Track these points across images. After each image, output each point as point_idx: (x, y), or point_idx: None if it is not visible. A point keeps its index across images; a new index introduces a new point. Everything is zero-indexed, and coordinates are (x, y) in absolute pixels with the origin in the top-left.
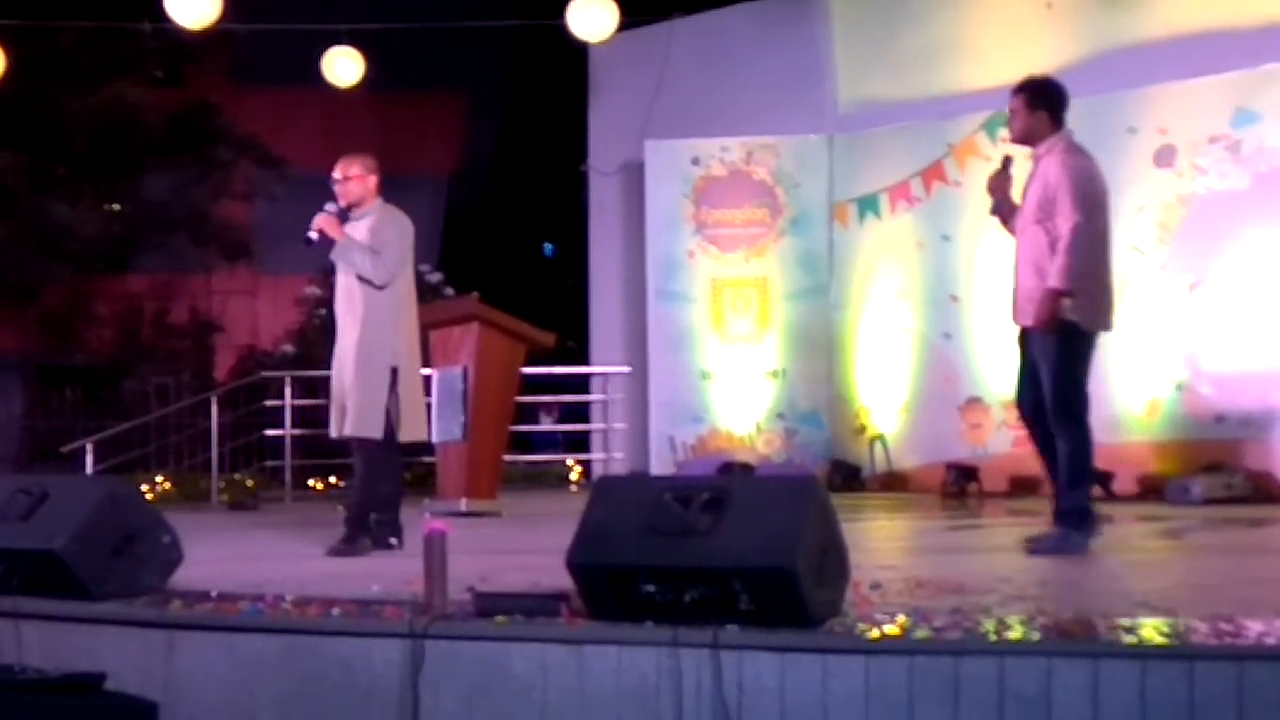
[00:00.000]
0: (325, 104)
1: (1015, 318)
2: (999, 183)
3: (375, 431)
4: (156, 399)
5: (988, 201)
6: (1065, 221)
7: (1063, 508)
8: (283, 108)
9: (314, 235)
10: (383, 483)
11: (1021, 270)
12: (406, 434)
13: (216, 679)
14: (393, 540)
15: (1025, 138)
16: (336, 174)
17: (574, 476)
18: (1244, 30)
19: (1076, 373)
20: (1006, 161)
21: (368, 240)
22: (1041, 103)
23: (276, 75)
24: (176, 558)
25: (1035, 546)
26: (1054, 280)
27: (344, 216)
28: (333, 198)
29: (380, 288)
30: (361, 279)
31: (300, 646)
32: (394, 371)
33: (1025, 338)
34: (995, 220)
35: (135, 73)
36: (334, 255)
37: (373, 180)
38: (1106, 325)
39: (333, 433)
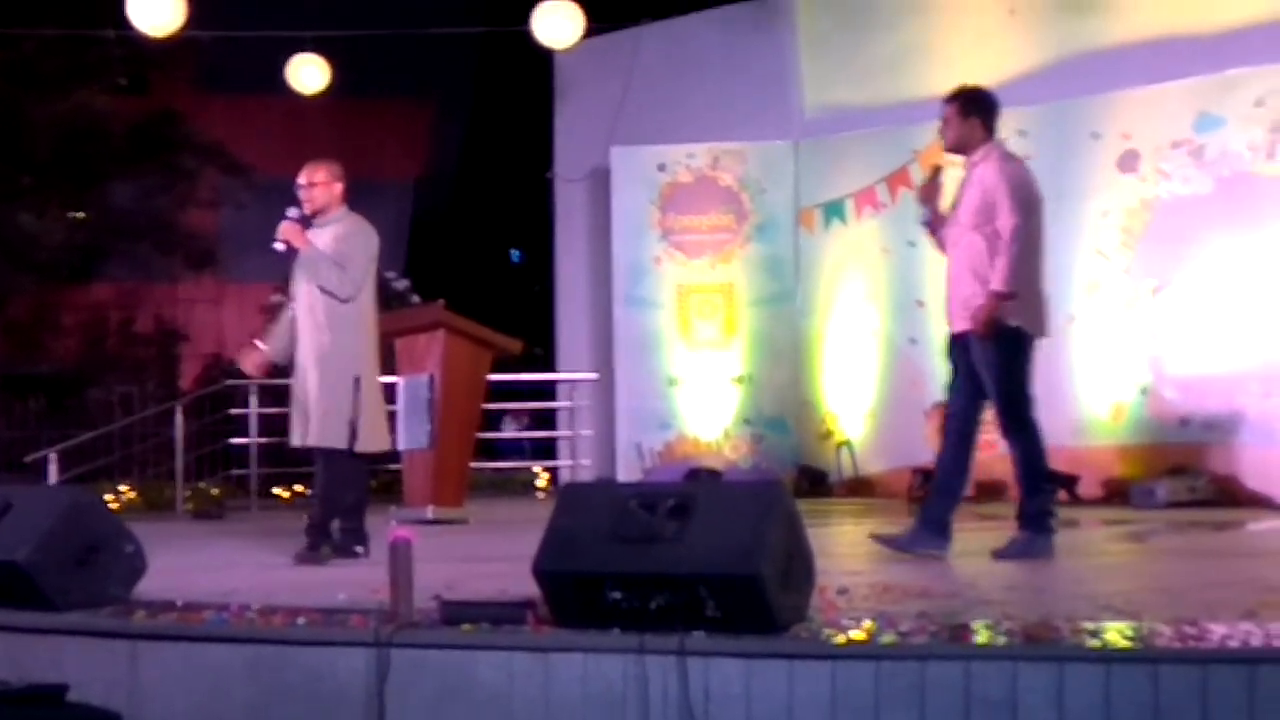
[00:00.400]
0: (291, 111)
1: (952, 325)
2: (929, 192)
3: (340, 441)
4: (121, 408)
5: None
6: (1006, 225)
7: (1027, 512)
8: (248, 115)
9: (280, 246)
10: (346, 491)
11: (958, 277)
12: (368, 444)
13: (181, 689)
14: (358, 548)
15: (959, 146)
16: (301, 180)
17: (541, 484)
18: (1207, 36)
19: (1021, 377)
20: (936, 171)
21: (332, 250)
22: (974, 111)
23: (242, 82)
24: (140, 567)
25: (1003, 553)
26: (996, 283)
27: (307, 223)
28: (297, 204)
29: (345, 301)
30: (325, 290)
31: (265, 656)
32: (357, 380)
33: (957, 346)
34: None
35: (100, 80)
36: (299, 266)
37: (338, 187)
38: (1044, 330)
39: (295, 441)
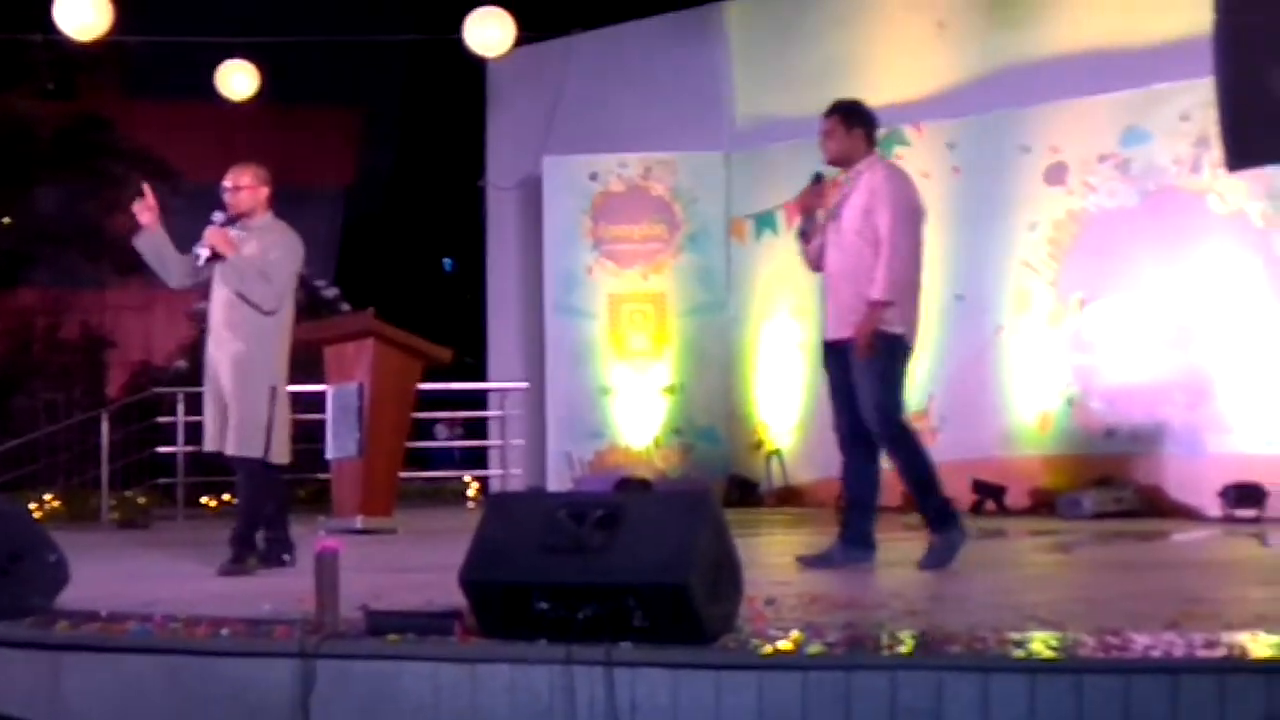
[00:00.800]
0: (220, 117)
1: (829, 332)
2: (812, 199)
3: (258, 451)
4: (46, 415)
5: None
6: (887, 235)
7: (929, 516)
8: (177, 121)
9: (205, 252)
10: (266, 501)
11: (838, 286)
12: (279, 455)
13: (103, 701)
14: (285, 557)
15: (841, 159)
16: (227, 183)
17: (471, 493)
18: (1134, 50)
19: (899, 385)
20: (818, 179)
21: (258, 260)
22: (857, 123)
23: (171, 88)
24: (63, 577)
25: (925, 562)
26: (876, 292)
27: (231, 225)
28: (223, 208)
29: (268, 314)
30: (247, 300)
31: (188, 667)
32: (273, 391)
33: (833, 354)
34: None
35: (26, 84)
36: (223, 274)
37: (264, 192)
38: (914, 342)
39: (209, 446)
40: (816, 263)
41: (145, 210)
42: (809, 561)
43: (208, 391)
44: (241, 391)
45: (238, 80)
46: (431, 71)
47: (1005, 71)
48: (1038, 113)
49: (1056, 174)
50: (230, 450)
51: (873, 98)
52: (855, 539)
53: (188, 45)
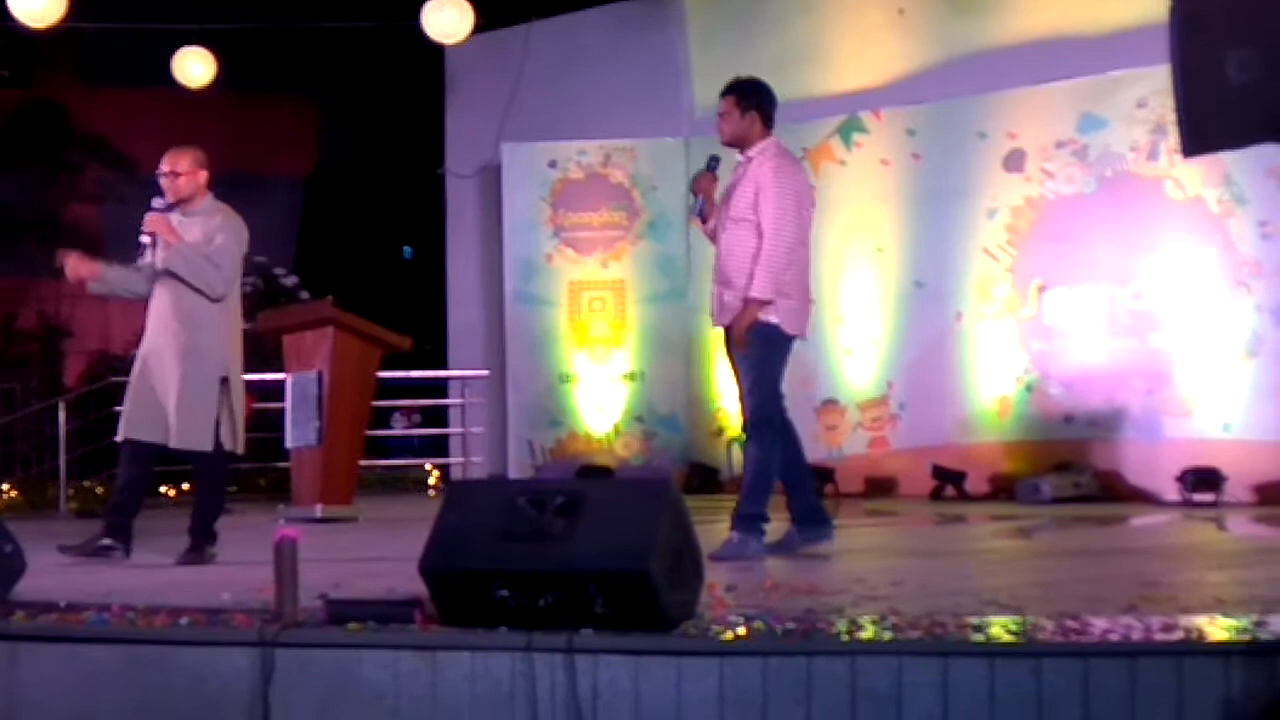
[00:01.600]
0: (177, 105)
1: (717, 318)
2: (705, 183)
3: (206, 444)
4: (3, 405)
5: (846, 201)
6: (772, 229)
7: (744, 512)
8: (133, 108)
9: (147, 240)
10: (223, 489)
11: (725, 270)
12: (233, 444)
13: (60, 691)
14: (210, 549)
15: (736, 140)
16: (164, 167)
17: (432, 481)
18: (1091, 37)
19: (775, 376)
20: (713, 162)
21: (201, 244)
22: (752, 104)
23: (127, 75)
24: (19, 567)
25: (720, 553)
26: (754, 290)
27: (170, 212)
28: (161, 193)
29: (216, 300)
30: (193, 288)
31: (147, 657)
32: (224, 381)
33: (726, 341)
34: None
35: None
36: (167, 261)
37: (203, 175)
38: (804, 331)
39: (144, 436)
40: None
41: (76, 272)
42: (769, 549)
43: (143, 380)
44: (189, 383)
45: (194, 67)
46: (390, 59)
47: (964, 58)
48: (996, 99)
49: (1015, 161)
50: (176, 443)
51: (833, 85)
52: (806, 520)
53: (144, 32)
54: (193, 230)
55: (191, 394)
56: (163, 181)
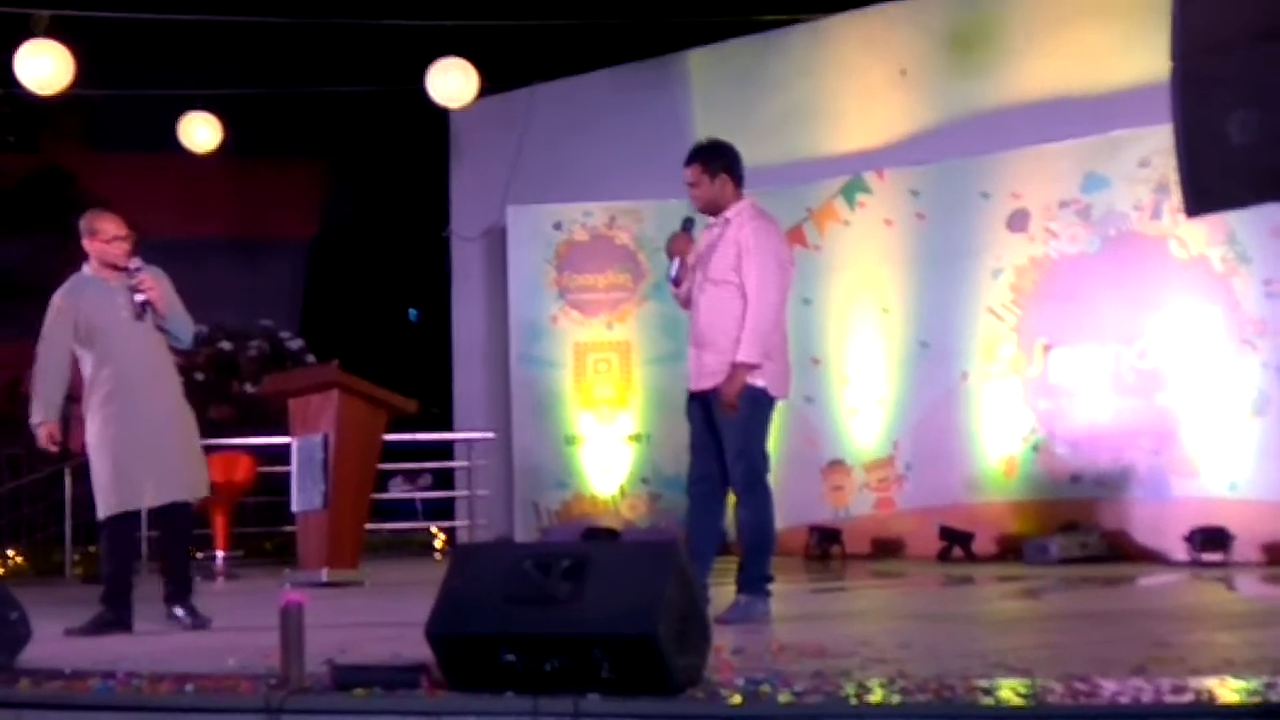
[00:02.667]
0: (183, 170)
1: (693, 381)
2: (680, 245)
3: (205, 488)
4: (9, 470)
5: (850, 261)
6: (754, 293)
7: (750, 576)
8: (140, 174)
9: (144, 299)
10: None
11: (704, 334)
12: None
13: None
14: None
15: (710, 207)
16: (121, 232)
17: (438, 544)
18: (1093, 97)
19: (761, 438)
20: (688, 224)
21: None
22: (719, 167)
23: (133, 141)
24: (25, 634)
25: (728, 616)
26: (742, 354)
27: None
28: (139, 256)
29: (186, 349)
30: (171, 341)
31: None
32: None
33: (697, 403)
34: (674, 285)
35: None
36: (166, 321)
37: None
38: (786, 393)
39: (160, 500)
40: (688, 305)
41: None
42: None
43: (140, 444)
44: (186, 434)
45: (200, 132)
46: (395, 122)
47: (967, 119)
48: (999, 160)
49: (1019, 220)
50: (190, 493)
51: (836, 145)
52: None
53: (150, 98)
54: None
55: (192, 444)
56: (124, 246)
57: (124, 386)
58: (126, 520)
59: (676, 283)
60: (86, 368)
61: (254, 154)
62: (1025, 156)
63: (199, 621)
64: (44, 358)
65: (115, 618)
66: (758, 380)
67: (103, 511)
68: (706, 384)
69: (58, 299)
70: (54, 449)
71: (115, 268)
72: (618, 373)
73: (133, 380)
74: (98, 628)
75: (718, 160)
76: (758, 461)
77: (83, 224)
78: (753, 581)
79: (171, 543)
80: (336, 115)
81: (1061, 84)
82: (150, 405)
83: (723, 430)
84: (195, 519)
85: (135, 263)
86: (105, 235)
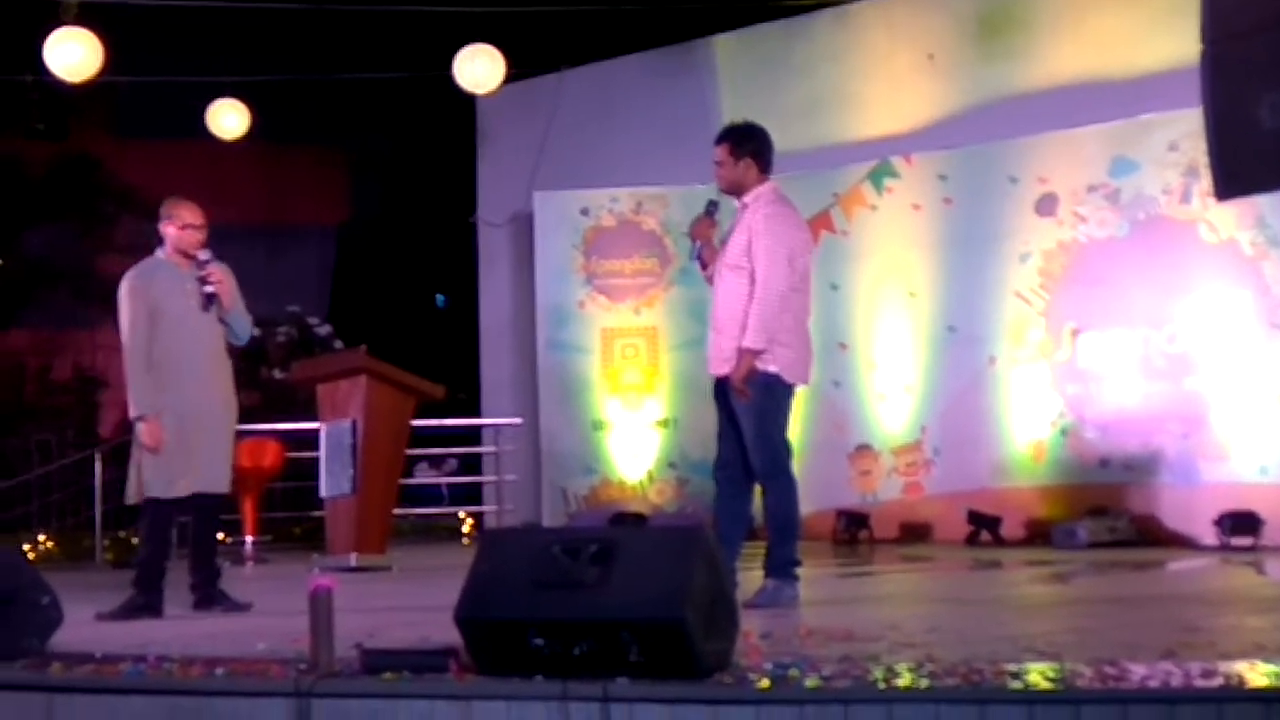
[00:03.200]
0: (211, 156)
1: (711, 366)
2: (702, 229)
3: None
4: (39, 456)
5: (877, 246)
6: (760, 279)
7: (777, 561)
8: (167, 160)
9: (211, 291)
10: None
11: (720, 320)
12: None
13: None
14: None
15: (732, 188)
16: (198, 220)
17: (466, 530)
18: (1121, 81)
19: (779, 424)
20: (711, 207)
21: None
22: (746, 150)
23: (161, 128)
24: (56, 619)
25: (756, 600)
26: (747, 340)
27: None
28: (207, 247)
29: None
30: (229, 337)
31: (183, 708)
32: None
33: (720, 390)
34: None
35: (16, 125)
36: (229, 316)
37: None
38: (805, 378)
39: (216, 488)
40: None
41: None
42: (751, 603)
43: (187, 434)
44: (231, 430)
45: (228, 119)
46: (422, 109)
47: (994, 103)
48: (1027, 144)
49: (1047, 205)
50: (222, 488)
51: (863, 130)
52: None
53: (178, 85)
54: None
55: (231, 438)
56: (198, 235)
57: (181, 374)
58: (166, 506)
59: (703, 265)
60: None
61: (281, 140)
62: (1053, 140)
63: (234, 606)
64: (135, 344)
65: (146, 602)
66: (770, 366)
67: (138, 496)
68: (723, 369)
69: (131, 280)
70: (158, 449)
71: (187, 255)
72: (645, 358)
73: (190, 369)
74: (129, 612)
75: (747, 143)
76: (777, 448)
77: (163, 208)
78: (779, 566)
79: (203, 533)
80: (364, 102)
81: (1089, 68)
82: (203, 396)
83: (740, 417)
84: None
85: (205, 254)
86: (181, 221)
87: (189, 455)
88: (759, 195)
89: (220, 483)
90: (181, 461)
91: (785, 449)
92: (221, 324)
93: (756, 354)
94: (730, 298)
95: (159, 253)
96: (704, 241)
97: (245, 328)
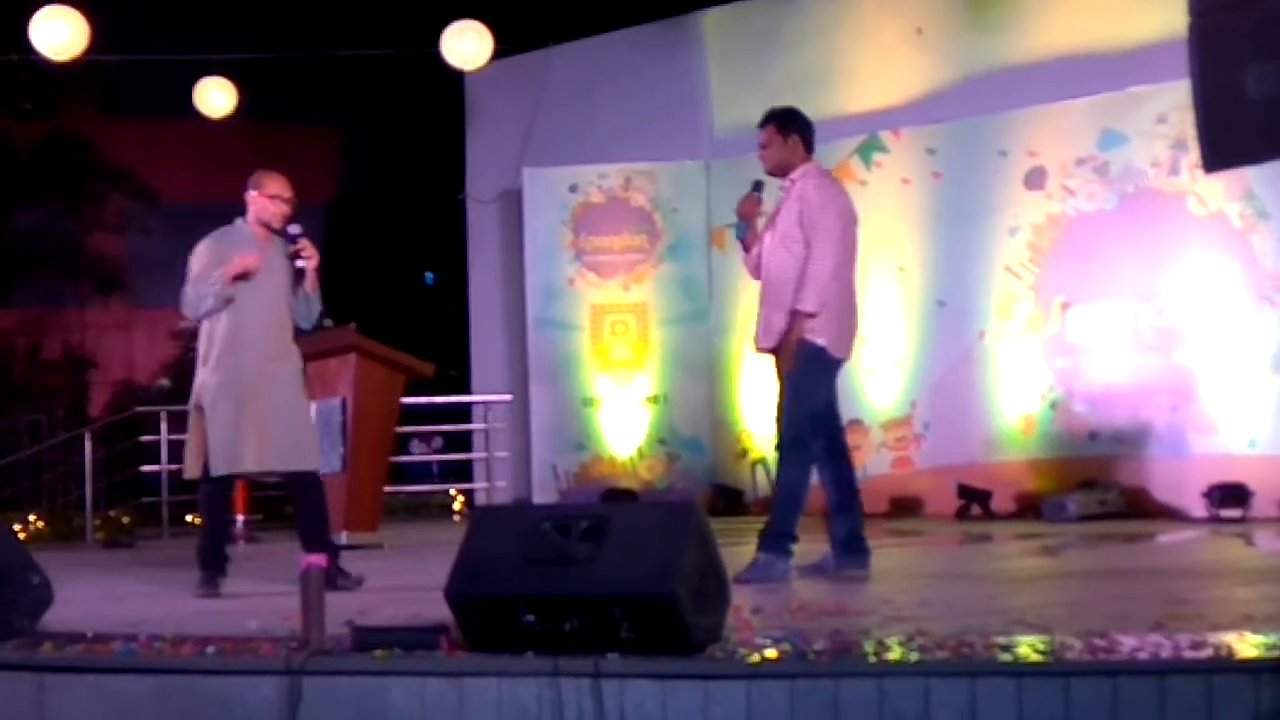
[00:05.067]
0: (198, 135)
1: (761, 342)
2: (749, 208)
3: (318, 461)
4: (29, 436)
5: (867, 220)
6: (815, 247)
7: (772, 533)
8: (155, 138)
9: (304, 265)
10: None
11: (773, 291)
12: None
13: None
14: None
15: (780, 168)
16: (288, 194)
17: (457, 507)
18: (1109, 54)
19: (816, 398)
20: (758, 186)
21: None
22: (792, 130)
23: (148, 106)
24: (47, 598)
25: (741, 576)
26: (801, 302)
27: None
28: (296, 222)
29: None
30: (295, 317)
31: (174, 686)
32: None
33: (773, 364)
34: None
35: (3, 105)
36: (309, 295)
37: None
38: (847, 354)
39: (254, 466)
40: (756, 271)
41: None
42: (804, 570)
43: (237, 408)
44: (301, 405)
45: (215, 97)
46: (410, 86)
47: (983, 77)
48: (1016, 117)
49: (1036, 178)
50: (300, 464)
51: (852, 104)
52: (846, 545)
53: (165, 63)
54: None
55: (304, 416)
56: (288, 209)
57: (250, 346)
58: (224, 482)
59: (746, 246)
60: (214, 321)
61: (269, 118)
62: (1042, 114)
63: (348, 581)
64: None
65: (208, 578)
66: (818, 339)
67: (198, 471)
68: (772, 343)
69: (207, 244)
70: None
71: (269, 228)
72: (635, 334)
73: (257, 343)
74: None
75: (792, 124)
76: (803, 420)
77: (252, 178)
78: (774, 539)
79: (303, 512)
80: (351, 79)
81: (1078, 40)
82: (269, 370)
83: (782, 385)
84: (322, 486)
85: (296, 228)
86: (269, 192)
87: (254, 430)
88: (806, 173)
89: (302, 458)
90: (245, 436)
91: (811, 425)
92: (293, 301)
93: (808, 316)
94: (781, 270)
95: (239, 221)
96: (749, 220)
97: (315, 310)
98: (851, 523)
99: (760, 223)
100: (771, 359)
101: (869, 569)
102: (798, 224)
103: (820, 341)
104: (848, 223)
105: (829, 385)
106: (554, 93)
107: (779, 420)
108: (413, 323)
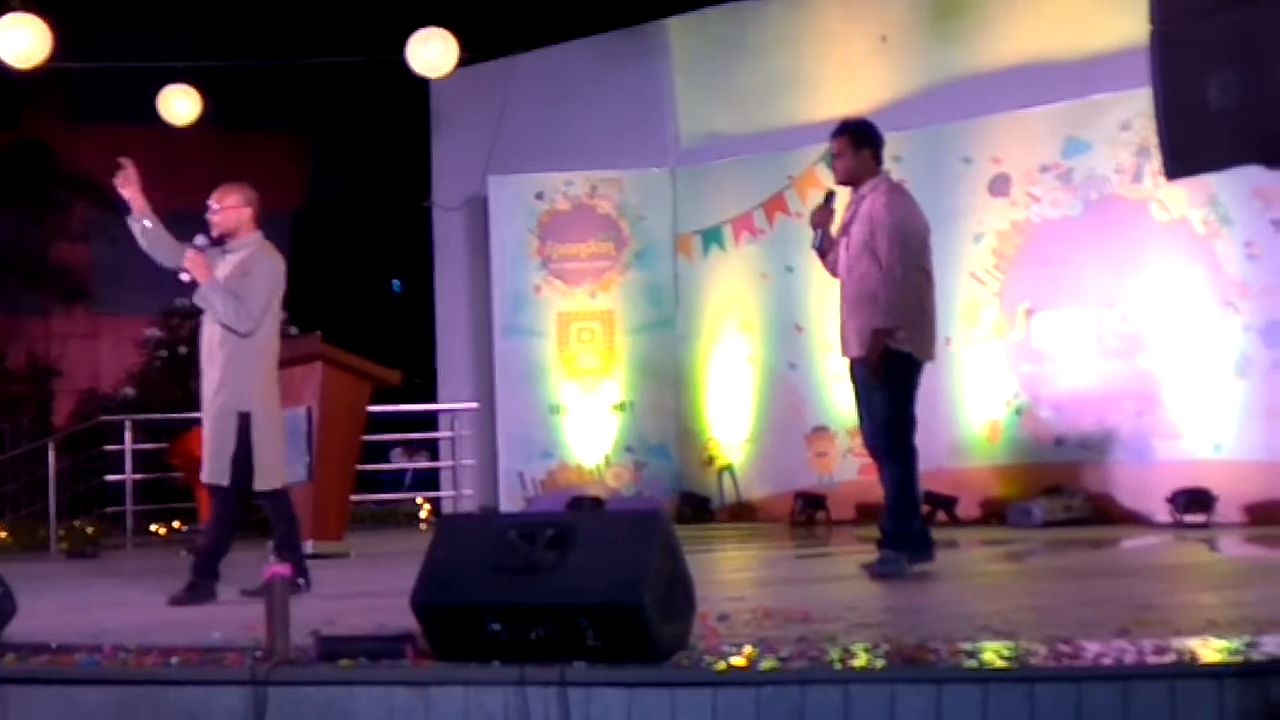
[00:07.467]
0: (163, 142)
1: (844, 350)
2: (822, 217)
3: (223, 479)
4: None
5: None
6: (889, 261)
7: (894, 530)
8: (120, 146)
9: (186, 277)
10: (229, 529)
11: (850, 304)
12: (261, 483)
13: None
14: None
15: (850, 179)
16: (211, 203)
17: (423, 515)
18: (1072, 62)
19: (908, 402)
20: (829, 196)
21: (233, 280)
22: (866, 143)
23: (113, 113)
24: (10, 609)
25: (874, 569)
26: (880, 319)
27: (219, 244)
28: (205, 230)
29: (243, 335)
30: (223, 324)
31: (139, 697)
32: (244, 418)
33: (853, 371)
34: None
35: None
36: (196, 299)
37: (248, 211)
38: (931, 354)
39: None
40: (834, 270)
41: (126, 185)
42: (869, 569)
43: (280, 420)
44: (214, 419)
45: (179, 105)
46: (375, 93)
47: (947, 84)
48: (980, 125)
49: (1000, 185)
50: (204, 477)
51: (816, 112)
52: (908, 543)
53: (129, 71)
54: (227, 266)
55: (215, 431)
56: (210, 217)
57: (202, 360)
58: (249, 494)
59: (822, 254)
60: (269, 335)
61: (234, 126)
62: (1006, 121)
63: (174, 597)
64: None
65: (207, 588)
66: (902, 345)
67: (237, 480)
68: (854, 352)
69: (284, 266)
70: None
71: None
72: (601, 342)
73: (201, 355)
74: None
75: (865, 137)
76: (908, 425)
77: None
78: (897, 537)
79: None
80: (317, 87)
81: (1041, 48)
82: (203, 384)
83: (871, 394)
84: (226, 506)
85: (199, 239)
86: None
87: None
88: (876, 184)
89: (206, 473)
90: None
91: (912, 425)
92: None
93: (889, 334)
94: (859, 283)
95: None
96: (823, 229)
97: (222, 314)
98: (908, 523)
99: (833, 230)
100: (848, 364)
101: (933, 561)
102: (866, 240)
103: (905, 349)
104: (919, 233)
105: (917, 387)
106: (520, 100)
107: (862, 422)
108: (379, 331)
